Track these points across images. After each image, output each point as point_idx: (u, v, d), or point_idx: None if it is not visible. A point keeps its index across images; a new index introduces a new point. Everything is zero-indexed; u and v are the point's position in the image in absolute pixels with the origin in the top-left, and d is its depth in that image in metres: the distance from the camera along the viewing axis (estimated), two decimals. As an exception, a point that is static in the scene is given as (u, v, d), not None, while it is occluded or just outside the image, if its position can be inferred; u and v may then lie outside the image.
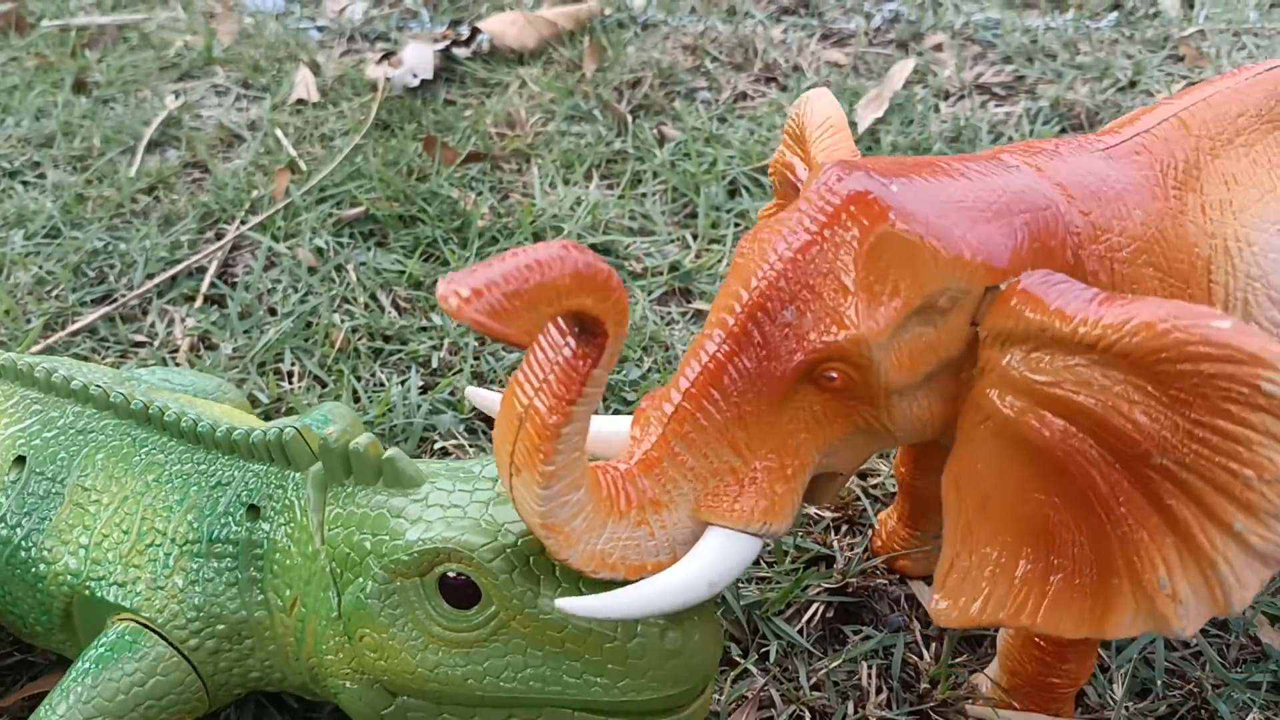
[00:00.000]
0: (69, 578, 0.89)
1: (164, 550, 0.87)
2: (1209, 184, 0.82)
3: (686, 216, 1.71)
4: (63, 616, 0.91)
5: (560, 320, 0.64)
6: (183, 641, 0.85)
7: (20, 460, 0.94)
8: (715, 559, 0.71)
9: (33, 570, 0.91)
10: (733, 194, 1.76)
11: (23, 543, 0.91)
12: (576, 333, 0.64)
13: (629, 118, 1.97)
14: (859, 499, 1.17)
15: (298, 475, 0.85)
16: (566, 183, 1.80)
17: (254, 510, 0.86)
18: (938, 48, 2.28)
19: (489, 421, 1.33)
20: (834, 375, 0.71)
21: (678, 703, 0.75)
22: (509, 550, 0.73)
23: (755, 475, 0.72)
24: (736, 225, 1.67)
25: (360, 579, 0.77)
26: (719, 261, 1.59)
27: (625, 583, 0.72)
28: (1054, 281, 0.70)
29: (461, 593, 0.74)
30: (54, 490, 0.91)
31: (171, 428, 0.91)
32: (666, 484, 0.72)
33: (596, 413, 0.78)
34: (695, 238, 1.65)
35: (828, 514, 1.16)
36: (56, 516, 0.91)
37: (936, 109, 2.02)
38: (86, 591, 0.88)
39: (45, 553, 0.90)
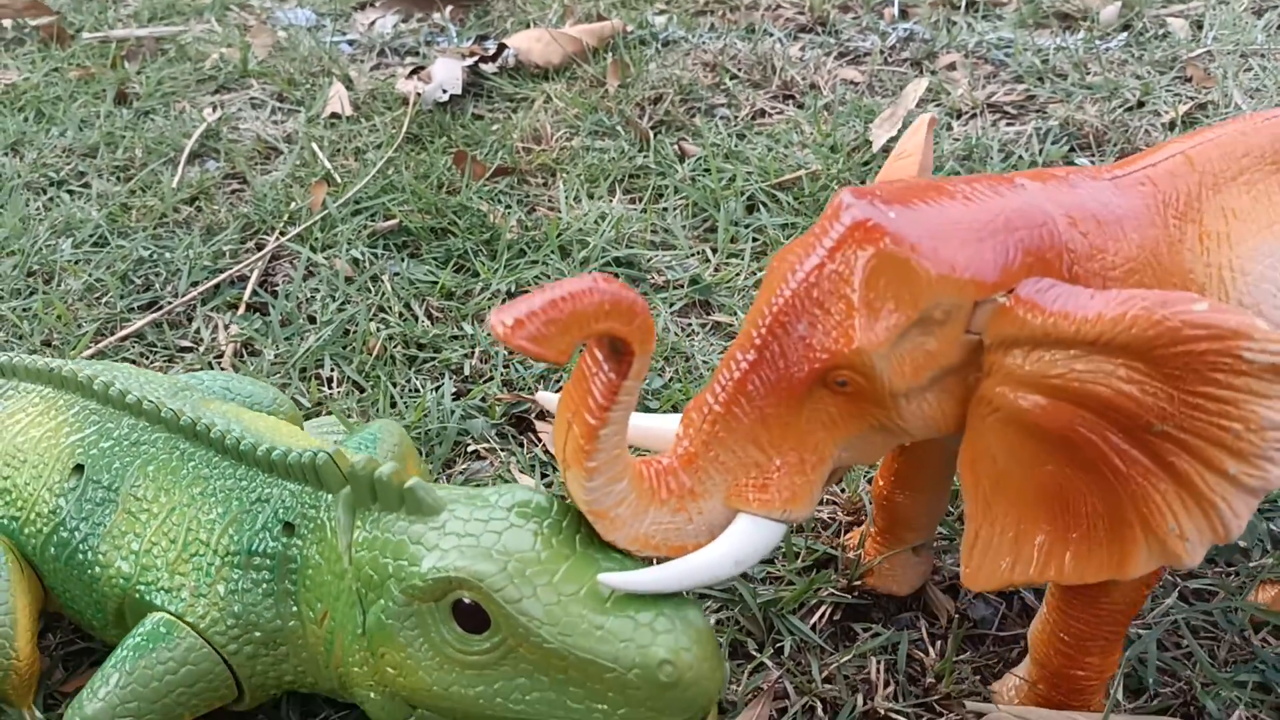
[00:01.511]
0: (121, 580, 0.96)
1: (207, 560, 0.93)
2: (1209, 216, 0.88)
3: (706, 231, 1.78)
4: (116, 614, 0.98)
5: (597, 341, 0.75)
6: (223, 646, 0.92)
7: (79, 469, 1.01)
8: (741, 541, 0.81)
9: (89, 572, 0.98)
10: (751, 209, 1.83)
11: (80, 545, 0.98)
12: (608, 353, 0.75)
13: (651, 134, 2.04)
14: (864, 507, 1.23)
15: (329, 497, 0.91)
16: (591, 197, 1.87)
17: (290, 527, 0.92)
18: (951, 67, 2.34)
19: (518, 426, 1.40)
20: (844, 381, 0.80)
21: None
22: (516, 579, 0.79)
23: (778, 469, 0.82)
24: (754, 240, 1.73)
25: (382, 600, 0.83)
26: (738, 275, 1.65)
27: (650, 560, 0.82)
28: (1048, 287, 0.79)
29: (473, 618, 0.79)
30: (109, 498, 0.98)
31: (217, 444, 0.97)
32: (701, 476, 0.82)
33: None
34: (715, 252, 1.72)
35: (840, 516, 1.22)
36: (111, 523, 0.97)
37: (949, 127, 2.08)
38: (136, 595, 0.95)
39: (100, 556, 0.97)
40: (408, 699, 0.83)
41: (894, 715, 1.02)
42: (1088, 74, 2.27)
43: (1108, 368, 0.75)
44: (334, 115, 2.19)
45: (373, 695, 0.86)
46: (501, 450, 1.35)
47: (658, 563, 0.81)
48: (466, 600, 0.79)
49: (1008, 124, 2.10)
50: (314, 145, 2.05)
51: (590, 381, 0.76)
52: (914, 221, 0.80)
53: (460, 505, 0.85)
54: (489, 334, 1.54)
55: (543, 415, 1.42)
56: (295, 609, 0.91)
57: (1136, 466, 0.76)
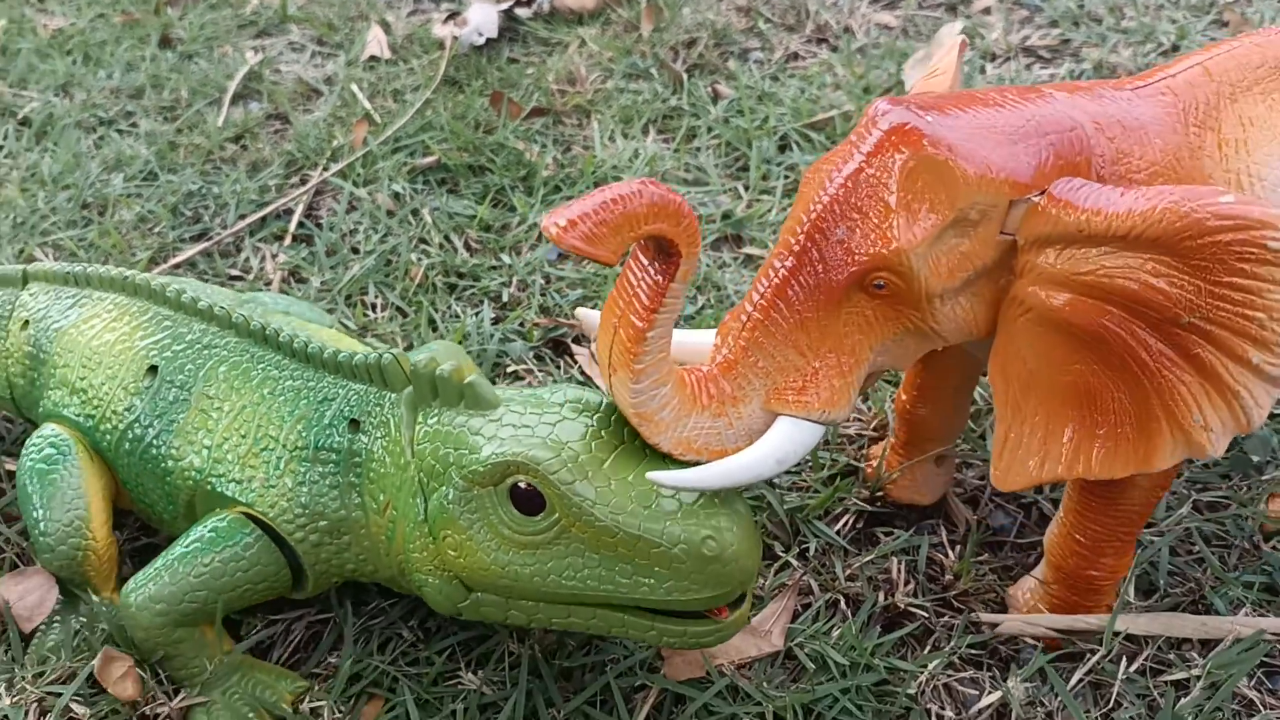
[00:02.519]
0: (193, 473, 1.02)
1: (276, 454, 0.99)
2: (1227, 124, 0.92)
3: (738, 169, 1.82)
4: (186, 506, 1.04)
5: (643, 245, 0.78)
6: (290, 534, 0.98)
7: (153, 370, 1.07)
8: (782, 442, 0.84)
9: (162, 465, 1.04)
10: (783, 149, 1.86)
11: (154, 441, 1.04)
12: (655, 255, 0.79)
13: (684, 76, 2.07)
14: (887, 419, 1.28)
15: (393, 395, 0.97)
16: (625, 137, 1.91)
17: (355, 424, 0.97)
18: (986, 11, 2.35)
19: (555, 349, 1.46)
20: (881, 283, 0.84)
21: (718, 604, 0.84)
22: (571, 464, 0.84)
23: (816, 372, 0.85)
24: (786, 177, 1.77)
25: (443, 487, 0.88)
26: (769, 211, 1.69)
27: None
28: (1080, 185, 0.83)
29: (529, 501, 0.84)
30: (182, 397, 1.04)
31: (285, 348, 1.03)
32: (741, 382, 0.85)
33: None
34: (746, 189, 1.76)
35: (864, 431, 1.27)
36: (184, 420, 1.04)
37: (983, 70, 2.10)
38: (208, 486, 1.01)
39: (173, 450, 1.03)
40: (466, 580, 0.89)
41: (914, 610, 1.07)
42: (1123, 18, 2.27)
43: (1137, 262, 0.79)
44: (372, 58, 2.23)
45: (431, 580, 0.91)
46: (539, 371, 1.41)
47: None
48: (523, 484, 0.84)
49: (1041, 67, 2.12)
50: (353, 86, 2.10)
51: (637, 285, 0.79)
52: (950, 125, 0.84)
53: (516, 401, 0.91)
54: (526, 263, 1.59)
55: (579, 339, 1.47)
56: (359, 500, 0.96)
57: (1163, 360, 0.81)
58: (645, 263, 0.79)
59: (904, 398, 1.15)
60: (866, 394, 0.98)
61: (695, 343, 0.94)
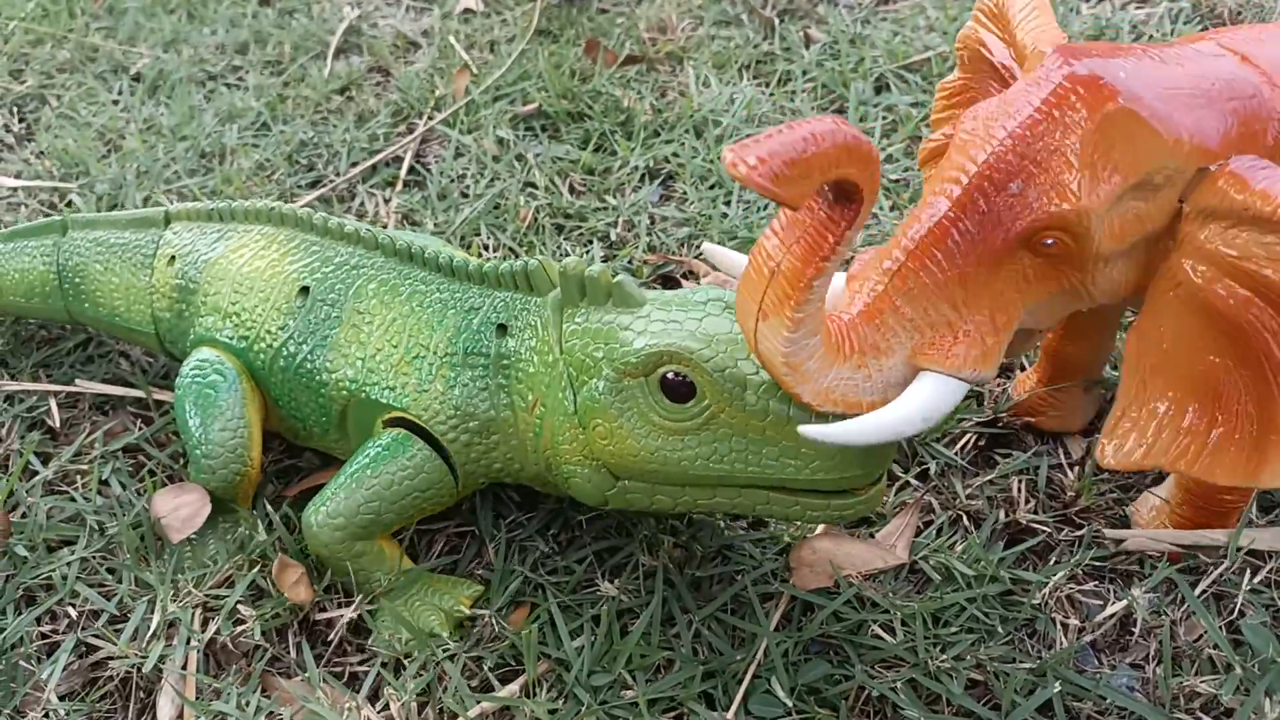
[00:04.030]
0: (348, 384, 1.08)
1: (427, 361, 1.04)
2: None
3: (835, 110, 1.83)
4: (339, 418, 1.10)
5: (825, 187, 0.72)
6: (442, 435, 1.03)
7: (305, 290, 1.12)
8: (929, 399, 0.80)
9: (317, 379, 1.10)
10: (879, 90, 1.87)
11: (308, 357, 1.10)
12: (832, 198, 0.73)
13: (775, 21, 2.09)
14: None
15: (539, 300, 1.02)
16: (720, 82, 1.94)
17: (502, 329, 1.02)
18: (1075, -47, 2.32)
19: (665, 285, 1.49)
20: (1051, 241, 0.80)
21: (858, 485, 0.88)
22: (720, 354, 0.87)
23: (969, 329, 0.81)
24: (884, 118, 1.78)
25: (594, 380, 0.92)
26: (868, 150, 1.71)
27: (842, 415, 0.82)
28: (1260, 166, 0.79)
29: (679, 389, 0.88)
30: (334, 314, 1.10)
31: (430, 264, 1.08)
32: (886, 333, 0.81)
33: None
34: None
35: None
36: (336, 335, 1.09)
37: (1078, 11, 2.08)
38: (363, 395, 1.07)
39: (327, 364, 1.09)
40: (615, 469, 0.93)
41: (1035, 526, 1.10)
42: (1218, -44, 2.23)
43: None
44: (467, 11, 2.28)
45: (580, 470, 0.95)
46: (651, 305, 1.44)
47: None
48: (673, 374, 0.88)
49: (1137, 6, 2.09)
50: (450, 39, 2.15)
51: (808, 228, 0.74)
52: (1142, 82, 0.79)
53: (660, 301, 0.95)
54: (631, 204, 1.63)
55: (688, 275, 1.51)
56: (507, 400, 1.01)
57: None
58: (819, 203, 0.74)
59: (1050, 336, 1.14)
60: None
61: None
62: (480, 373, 1.02)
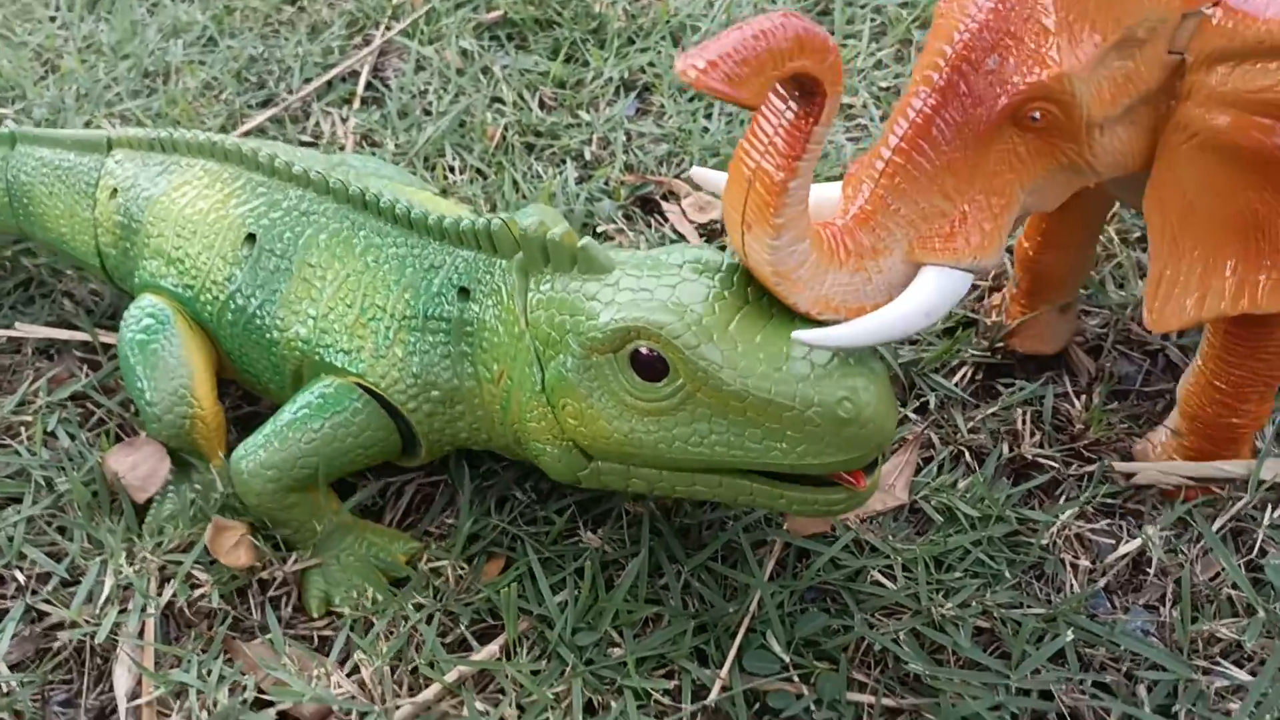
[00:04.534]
0: (300, 344, 1.00)
1: (384, 324, 0.96)
2: None
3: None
4: (294, 377, 1.02)
5: (780, 87, 0.71)
6: (403, 404, 0.95)
7: (251, 238, 1.03)
8: (930, 294, 0.78)
9: (267, 336, 1.01)
10: (867, -10, 1.75)
11: (257, 312, 1.02)
12: (797, 96, 0.71)
13: (756, -83, 1.95)
14: (1006, 269, 1.23)
15: (503, 262, 0.92)
16: (698, -17, 1.81)
17: (464, 292, 0.94)
18: None
19: (644, 207, 1.41)
20: (1038, 115, 0.77)
21: (853, 468, 0.80)
22: (694, 327, 0.79)
23: (964, 216, 0.79)
24: (873, 20, 1.67)
25: (561, 355, 0.85)
26: (856, 56, 1.60)
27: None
28: None
29: (652, 366, 0.80)
30: (283, 266, 1.01)
31: (386, 213, 0.99)
32: (881, 233, 0.79)
33: None
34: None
35: (980, 280, 1.22)
36: (287, 289, 1.01)
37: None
38: (316, 357, 0.99)
39: (278, 321, 1.01)
40: (588, 449, 0.86)
41: (1042, 460, 1.04)
42: None
43: None
44: (425, -89, 2.12)
45: (549, 450, 0.89)
46: (630, 230, 1.36)
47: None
48: (644, 350, 0.80)
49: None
50: (409, -58, 2.00)
51: (776, 131, 0.72)
52: None
53: (631, 264, 0.86)
54: (606, 120, 1.53)
55: (668, 196, 1.42)
56: (471, 369, 0.94)
57: None
58: (784, 105, 0.72)
59: (1026, 244, 1.10)
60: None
61: (819, 198, 0.86)
62: (442, 339, 0.94)
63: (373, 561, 0.99)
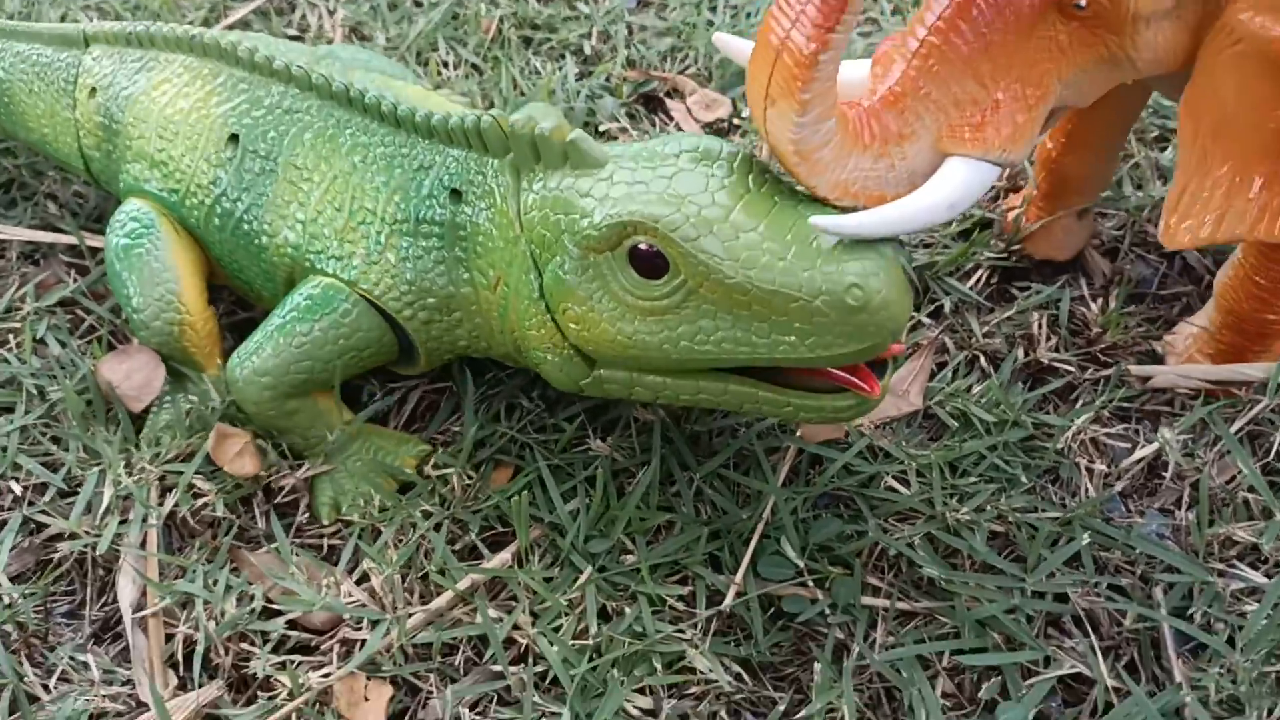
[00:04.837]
0: (289, 250, 0.96)
1: (374, 229, 0.92)
2: None
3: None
4: (286, 283, 0.99)
5: None
6: (398, 312, 0.92)
7: (234, 139, 0.99)
8: (956, 185, 0.75)
9: (256, 242, 0.98)
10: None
11: (244, 216, 0.98)
12: None
13: None
14: (1023, 170, 1.19)
15: (495, 162, 0.88)
16: None
17: (456, 194, 0.90)
18: None
19: (647, 105, 1.36)
20: (1084, 2, 0.74)
21: (866, 358, 0.77)
22: (693, 219, 0.76)
23: (998, 105, 0.75)
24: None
25: (558, 257, 0.81)
26: (865, -55, 1.54)
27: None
28: None
29: (651, 263, 0.77)
30: (268, 168, 0.97)
31: (373, 111, 0.94)
32: (909, 118, 0.75)
33: None
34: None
35: (997, 181, 1.18)
36: (273, 193, 0.96)
37: None
38: (307, 263, 0.95)
39: (266, 226, 0.97)
40: (590, 355, 0.84)
41: (1058, 365, 1.02)
42: None
43: None
44: None
45: (550, 357, 0.86)
46: (633, 130, 1.31)
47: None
48: (643, 246, 0.77)
49: None
50: None
51: (807, 2, 0.68)
52: None
53: (625, 157, 0.83)
54: (606, 12, 1.47)
55: (672, 93, 1.37)
56: (467, 276, 0.90)
57: None
58: None
59: (1050, 146, 1.06)
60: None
61: (844, 77, 0.81)
62: (435, 244, 0.91)
63: (381, 466, 0.97)
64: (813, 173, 0.74)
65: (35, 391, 1.07)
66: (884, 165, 0.75)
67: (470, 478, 0.97)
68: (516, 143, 0.85)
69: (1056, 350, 1.03)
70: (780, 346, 0.76)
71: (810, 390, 0.80)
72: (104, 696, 0.86)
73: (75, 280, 1.19)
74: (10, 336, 1.13)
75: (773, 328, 0.76)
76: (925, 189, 0.75)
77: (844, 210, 0.75)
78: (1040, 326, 1.05)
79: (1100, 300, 1.08)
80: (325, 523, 0.96)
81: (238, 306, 1.15)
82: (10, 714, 0.85)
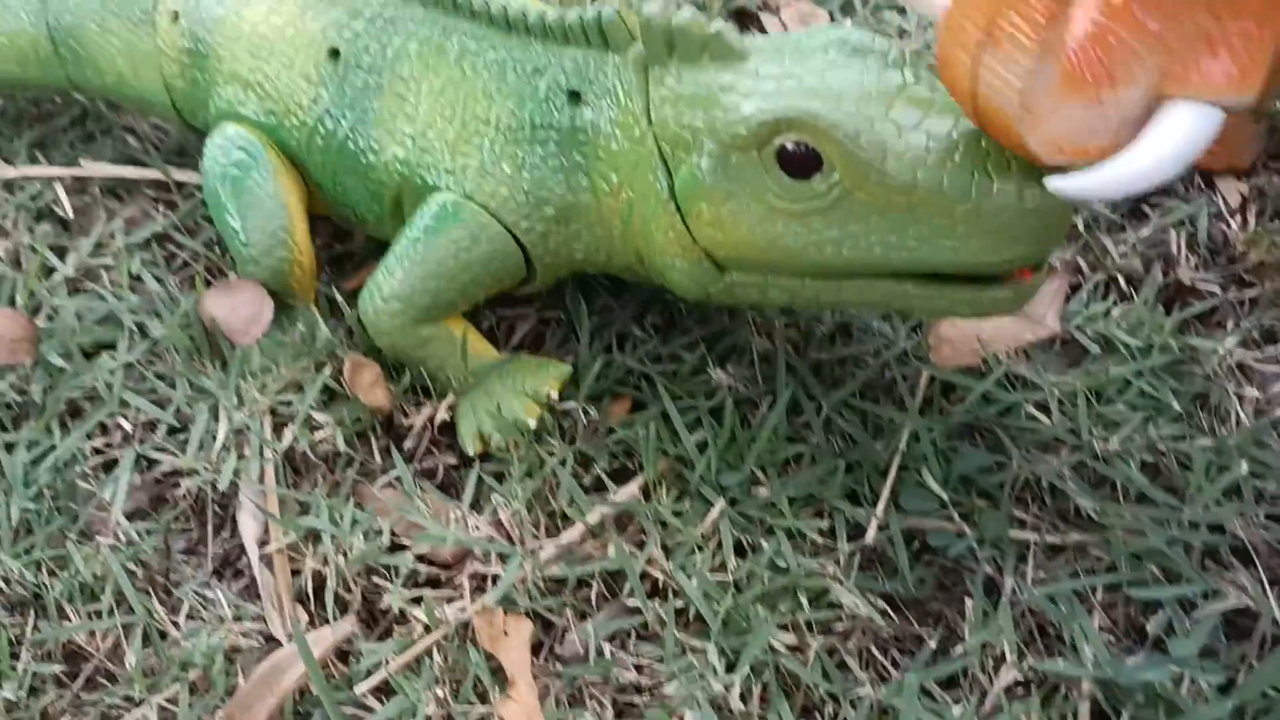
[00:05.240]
0: (399, 167, 0.92)
1: (488, 138, 0.89)
2: None
3: None
4: (393, 204, 0.95)
5: None
6: (515, 224, 0.89)
7: (334, 53, 0.95)
8: (1186, 134, 0.63)
9: (362, 161, 0.94)
10: None
11: (349, 135, 0.94)
12: None
13: None
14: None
15: (617, 59, 0.84)
16: None
17: (575, 96, 0.86)
18: None
19: (738, 19, 1.30)
20: None
21: (1028, 263, 0.73)
22: (852, 115, 0.71)
23: (1231, 41, 0.63)
24: None
25: (694, 156, 0.77)
26: None
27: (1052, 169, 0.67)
28: None
29: (802, 163, 0.73)
30: (373, 82, 0.93)
31: (480, 14, 0.90)
32: (1127, 57, 0.62)
33: None
34: None
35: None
36: (379, 108, 0.93)
37: None
38: (419, 180, 0.92)
39: (373, 143, 0.93)
40: (724, 260, 0.80)
41: (1200, 285, 0.98)
42: None
43: None
44: None
45: (678, 263, 0.82)
46: (727, 47, 1.26)
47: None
48: (792, 144, 0.73)
49: None
50: None
51: None
52: None
53: (768, 50, 0.78)
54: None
55: (765, 6, 1.31)
56: (587, 182, 0.87)
57: None
58: None
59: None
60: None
61: None
62: (553, 150, 0.87)
63: (523, 391, 0.94)
64: (1030, 127, 0.64)
65: (135, 328, 1.04)
66: (1095, 114, 0.64)
67: (589, 411, 0.94)
68: (649, 36, 0.80)
69: (1197, 270, 0.99)
70: (941, 250, 0.72)
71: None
72: (236, 632, 0.85)
73: (165, 215, 1.16)
74: (104, 272, 1.11)
75: (934, 230, 0.72)
76: (1153, 141, 0.64)
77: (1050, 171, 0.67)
78: (1179, 245, 1.00)
79: (1238, 217, 1.03)
80: (471, 453, 0.93)
81: (334, 239, 1.12)
82: (144, 649, 0.84)
